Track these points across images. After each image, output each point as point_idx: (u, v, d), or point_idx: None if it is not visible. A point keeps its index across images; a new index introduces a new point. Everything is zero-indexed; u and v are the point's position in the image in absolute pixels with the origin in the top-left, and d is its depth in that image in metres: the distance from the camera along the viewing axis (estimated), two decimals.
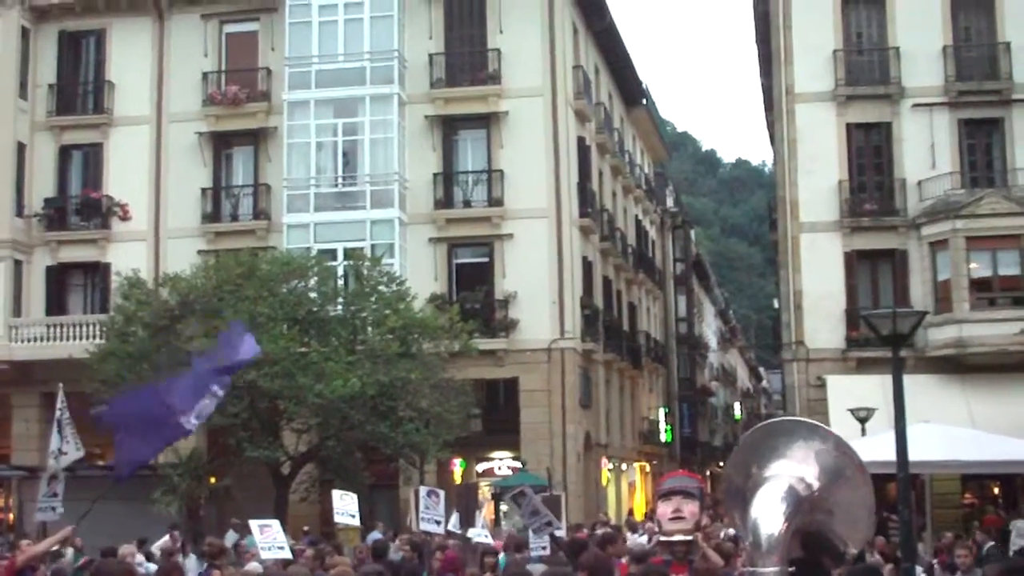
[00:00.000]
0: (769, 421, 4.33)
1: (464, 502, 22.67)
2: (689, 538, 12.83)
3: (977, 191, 35.16)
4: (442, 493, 20.77)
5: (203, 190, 40.84)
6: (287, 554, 15.84)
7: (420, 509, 21.60)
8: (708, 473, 69.51)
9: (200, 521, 33.07)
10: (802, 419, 4.40)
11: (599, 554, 12.36)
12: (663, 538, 13.83)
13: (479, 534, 21.42)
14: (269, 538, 15.69)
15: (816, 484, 4.17)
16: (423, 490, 21.09)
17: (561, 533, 20.15)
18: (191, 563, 21.35)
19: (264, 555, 15.57)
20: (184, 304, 30.82)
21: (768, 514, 4.02)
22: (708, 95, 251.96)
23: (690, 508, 13.19)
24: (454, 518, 23.68)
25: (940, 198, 35.19)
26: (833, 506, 4.22)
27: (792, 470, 4.14)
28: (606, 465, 44.30)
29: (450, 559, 16.52)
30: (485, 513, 26.44)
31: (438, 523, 19.86)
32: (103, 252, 41.03)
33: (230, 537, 25.11)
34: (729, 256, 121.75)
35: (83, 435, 15.68)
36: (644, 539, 24.03)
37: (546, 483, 33.20)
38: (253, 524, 16.44)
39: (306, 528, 29.45)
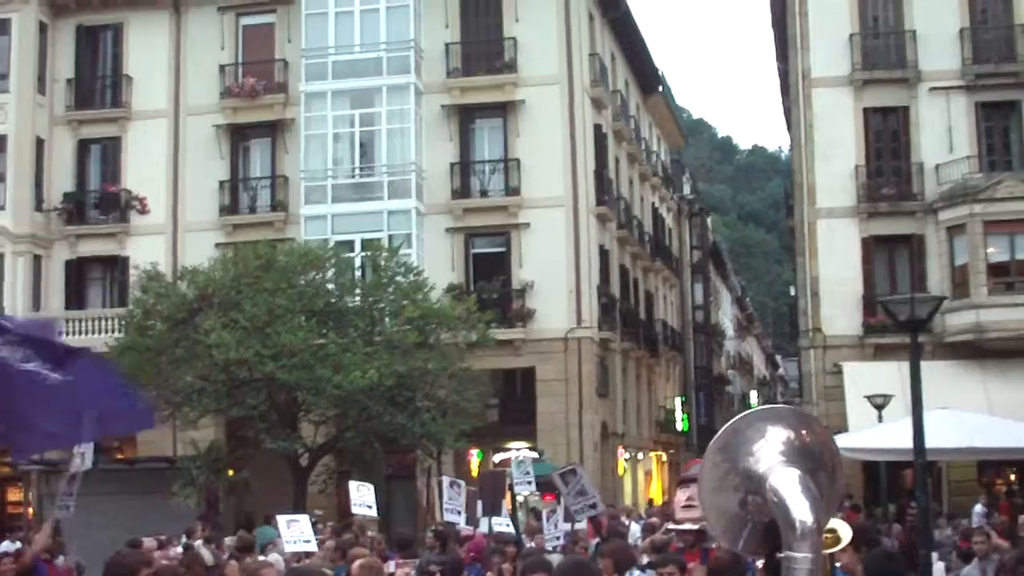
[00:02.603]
0: (755, 409, 4.38)
1: (490, 489, 22.56)
2: (697, 527, 12.88)
3: (995, 175, 35.05)
4: (463, 484, 20.83)
5: (221, 183, 40.95)
6: (313, 547, 15.91)
7: (444, 500, 21.67)
8: None
9: (219, 514, 33.19)
10: (787, 407, 4.48)
11: (622, 543, 12.46)
12: (672, 526, 13.91)
13: (501, 523, 21.41)
14: (296, 532, 15.78)
15: (812, 470, 4.24)
16: (446, 480, 21.14)
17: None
18: (206, 553, 21.44)
19: (289, 548, 15.65)
20: (203, 297, 30.90)
21: (797, 503, 4.09)
22: (724, 82, 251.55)
23: None
24: (478, 507, 23.70)
25: (958, 182, 35.08)
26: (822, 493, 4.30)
27: (791, 459, 4.21)
28: (623, 455, 44.29)
29: (478, 546, 16.54)
30: (505, 502, 26.40)
31: (459, 513, 19.95)
32: (122, 246, 41.19)
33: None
34: (746, 243, 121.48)
35: None
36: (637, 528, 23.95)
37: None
38: (281, 519, 16.51)
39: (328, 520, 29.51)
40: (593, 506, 16.67)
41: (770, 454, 4.18)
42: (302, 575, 7.92)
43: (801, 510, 4.04)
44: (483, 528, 20.72)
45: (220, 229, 40.44)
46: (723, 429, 4.30)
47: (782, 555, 4.04)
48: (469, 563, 15.63)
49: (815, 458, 4.24)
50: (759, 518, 4.22)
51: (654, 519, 22.95)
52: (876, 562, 7.42)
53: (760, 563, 4.53)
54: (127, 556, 8.78)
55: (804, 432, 4.26)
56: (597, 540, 16.61)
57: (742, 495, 4.24)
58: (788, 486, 4.08)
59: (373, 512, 19.80)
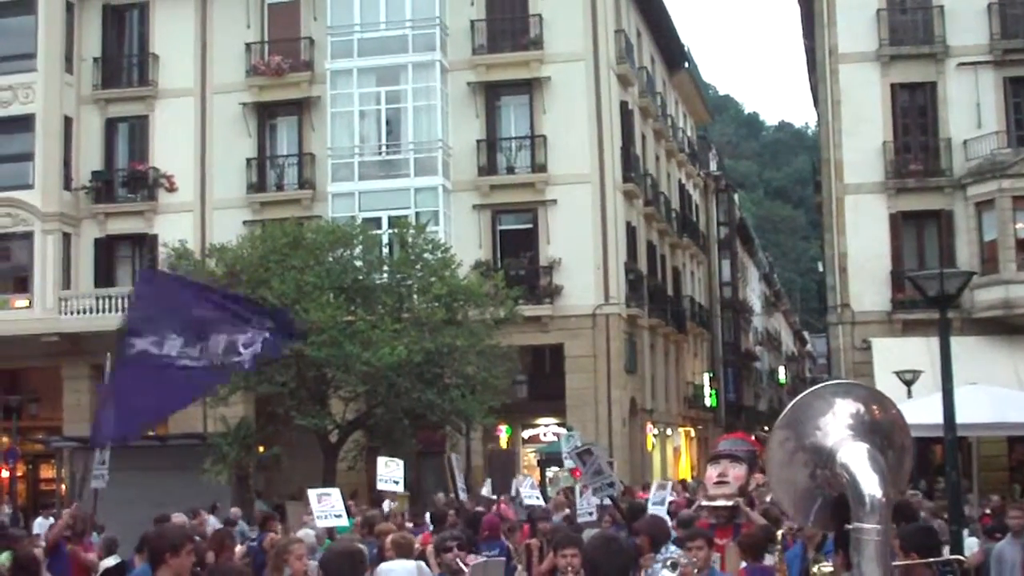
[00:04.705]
0: (823, 384, 4.46)
1: (499, 469, 22.71)
2: (731, 503, 12.86)
3: (1023, 150, 34.85)
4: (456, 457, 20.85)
5: (248, 160, 41.07)
6: (344, 522, 15.98)
7: (456, 478, 21.71)
8: (753, 437, 69.33)
9: (250, 490, 33.39)
10: (855, 383, 4.54)
11: (656, 518, 12.48)
12: (706, 502, 13.89)
13: (530, 496, 21.42)
14: (327, 507, 15.85)
15: (881, 447, 4.31)
16: (455, 458, 21.19)
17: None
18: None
19: (320, 523, 15.73)
20: (231, 274, 30.95)
21: (867, 476, 4.18)
22: (750, 58, 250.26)
23: (735, 472, 13.23)
24: (487, 485, 23.73)
25: (986, 157, 34.90)
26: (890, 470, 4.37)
27: (860, 434, 4.29)
28: (651, 430, 44.35)
29: (491, 523, 16.53)
30: (535, 477, 26.51)
31: (464, 490, 20.11)
32: (150, 224, 41.39)
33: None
34: (773, 219, 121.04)
35: None
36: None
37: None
38: (311, 493, 16.57)
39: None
40: (611, 485, 16.57)
41: (839, 428, 4.26)
42: (339, 550, 7.98)
43: (870, 484, 4.12)
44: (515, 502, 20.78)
45: (247, 207, 40.57)
46: (790, 404, 4.38)
47: (851, 526, 4.14)
48: (485, 540, 15.56)
49: (884, 435, 4.32)
50: (828, 492, 4.31)
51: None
52: (913, 536, 7.45)
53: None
54: (170, 530, 8.75)
55: (875, 408, 4.34)
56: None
57: (811, 469, 4.33)
58: (858, 460, 4.16)
59: (400, 488, 19.86)
